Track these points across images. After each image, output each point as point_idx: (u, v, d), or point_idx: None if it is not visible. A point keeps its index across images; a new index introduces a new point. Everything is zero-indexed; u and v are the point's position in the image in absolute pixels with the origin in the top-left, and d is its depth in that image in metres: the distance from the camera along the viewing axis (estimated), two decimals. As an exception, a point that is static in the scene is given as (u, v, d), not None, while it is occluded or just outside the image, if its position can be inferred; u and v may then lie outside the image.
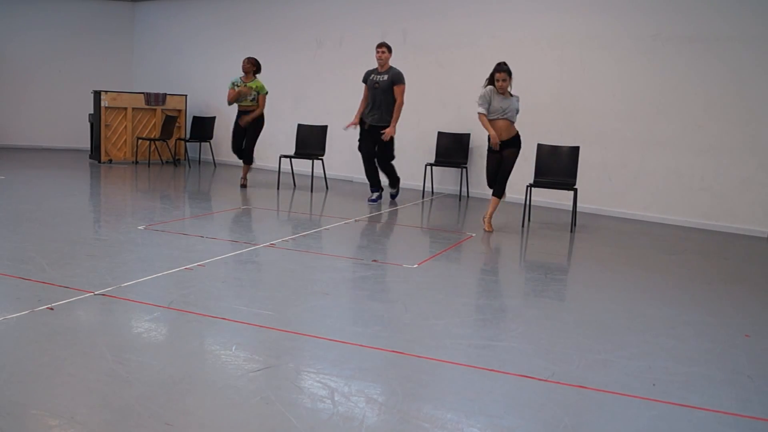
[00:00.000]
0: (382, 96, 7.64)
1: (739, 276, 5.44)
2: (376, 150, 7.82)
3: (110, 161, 10.92)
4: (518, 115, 6.57)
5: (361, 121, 7.81)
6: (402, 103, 7.67)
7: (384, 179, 8.23)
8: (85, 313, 3.56)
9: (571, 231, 6.82)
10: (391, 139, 7.71)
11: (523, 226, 6.90)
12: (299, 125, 9.27)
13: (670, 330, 3.80)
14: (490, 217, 6.61)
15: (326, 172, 9.14)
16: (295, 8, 10.68)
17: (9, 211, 6.22)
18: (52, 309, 3.53)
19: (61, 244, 5.02)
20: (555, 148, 7.28)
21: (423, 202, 8.37)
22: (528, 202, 6.99)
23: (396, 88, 7.64)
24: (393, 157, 7.94)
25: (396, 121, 7.66)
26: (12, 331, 3.22)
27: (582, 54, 8.12)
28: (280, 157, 8.82)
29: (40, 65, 12.41)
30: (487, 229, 6.48)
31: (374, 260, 5.03)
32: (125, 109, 10.99)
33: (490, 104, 6.34)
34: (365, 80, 7.86)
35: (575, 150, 7.12)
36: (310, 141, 9.10)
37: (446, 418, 2.60)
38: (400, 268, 4.86)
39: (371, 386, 2.83)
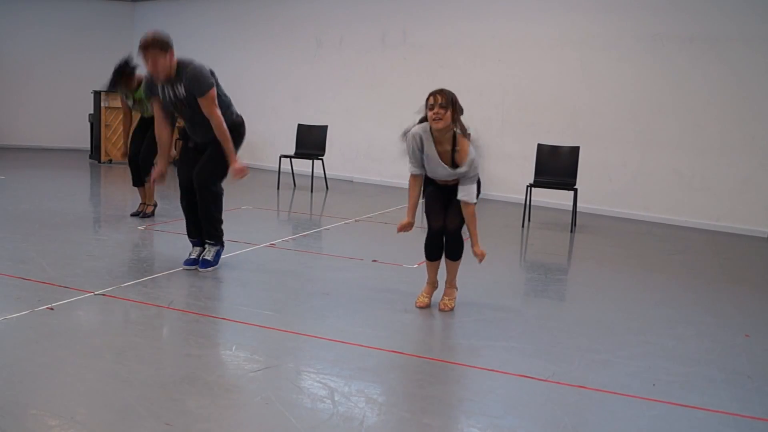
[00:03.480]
0: (194, 110, 4.33)
1: (739, 276, 5.44)
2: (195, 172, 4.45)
3: (110, 161, 10.91)
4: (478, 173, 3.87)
5: (184, 135, 4.69)
6: (220, 119, 4.26)
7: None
8: (85, 313, 3.56)
9: (571, 231, 6.82)
10: (219, 158, 4.37)
11: (523, 226, 6.90)
12: (299, 125, 9.28)
13: (670, 330, 3.80)
14: (453, 285, 4.04)
15: (326, 172, 9.15)
16: (295, 8, 10.68)
17: (9, 211, 6.22)
18: (52, 309, 3.53)
19: (61, 244, 5.01)
20: (555, 148, 7.28)
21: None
22: (528, 202, 6.99)
23: (203, 102, 4.23)
24: (218, 192, 4.51)
25: (232, 151, 4.33)
26: (12, 331, 3.22)
27: (582, 54, 8.12)
28: (280, 157, 8.82)
29: (40, 65, 12.40)
30: (444, 307, 3.94)
31: (374, 260, 5.02)
32: (125, 109, 10.99)
33: (420, 157, 3.85)
34: (153, 93, 4.47)
35: (575, 150, 7.12)
36: (310, 141, 9.10)
37: (446, 418, 2.60)
38: (400, 268, 4.86)
39: (371, 386, 2.83)
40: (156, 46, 4.11)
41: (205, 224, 4.52)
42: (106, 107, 10.74)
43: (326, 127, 9.11)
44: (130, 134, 6.42)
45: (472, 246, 3.85)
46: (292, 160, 9.01)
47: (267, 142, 10.74)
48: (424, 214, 4.10)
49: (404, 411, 2.63)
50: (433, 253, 4.03)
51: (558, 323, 3.83)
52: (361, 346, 3.27)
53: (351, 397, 2.70)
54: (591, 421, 2.63)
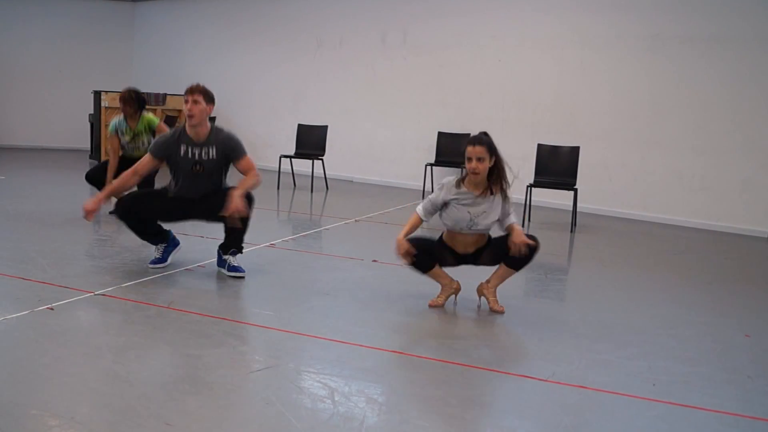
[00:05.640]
0: (208, 181, 4.39)
1: (739, 276, 5.44)
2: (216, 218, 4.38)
3: (110, 161, 10.90)
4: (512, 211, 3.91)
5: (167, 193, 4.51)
6: (258, 174, 4.37)
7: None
8: (85, 313, 3.56)
9: (571, 231, 6.82)
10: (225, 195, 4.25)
11: (523, 226, 6.89)
12: (299, 125, 9.28)
13: (670, 330, 3.80)
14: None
15: (326, 172, 9.15)
16: (295, 8, 10.68)
17: (9, 211, 6.22)
18: (52, 309, 3.53)
19: (61, 244, 5.01)
20: (555, 148, 7.28)
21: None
22: (528, 202, 6.99)
23: (242, 163, 4.37)
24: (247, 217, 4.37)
25: (246, 189, 4.24)
26: (12, 331, 3.22)
27: (582, 54, 8.12)
28: (280, 157, 8.82)
29: (40, 65, 12.41)
30: (500, 308, 3.95)
31: (374, 260, 5.02)
32: (125, 109, 10.98)
33: (442, 207, 3.84)
34: (163, 155, 4.36)
35: (575, 150, 7.12)
36: (310, 141, 9.10)
37: (446, 418, 2.59)
38: (400, 268, 4.85)
39: (371, 386, 2.83)
40: (202, 92, 4.29)
41: (235, 242, 4.48)
42: (106, 107, 10.73)
43: (326, 127, 9.12)
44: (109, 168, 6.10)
45: (515, 237, 3.76)
46: (292, 160, 9.01)
47: (267, 142, 10.74)
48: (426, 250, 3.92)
49: (404, 411, 2.63)
50: (425, 265, 3.93)
51: (558, 323, 3.82)
52: (361, 346, 3.27)
53: (351, 397, 2.70)
54: (591, 421, 2.63)
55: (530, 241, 3.73)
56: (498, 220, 3.86)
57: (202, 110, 4.26)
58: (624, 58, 7.84)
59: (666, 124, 7.65)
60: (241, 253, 4.54)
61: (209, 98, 4.32)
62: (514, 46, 8.62)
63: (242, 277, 4.38)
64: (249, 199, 4.33)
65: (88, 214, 4.26)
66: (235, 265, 4.45)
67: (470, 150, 3.71)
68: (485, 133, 3.81)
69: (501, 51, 8.72)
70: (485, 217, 3.79)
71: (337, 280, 4.46)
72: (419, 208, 3.92)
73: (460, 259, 3.98)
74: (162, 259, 4.54)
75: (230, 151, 4.35)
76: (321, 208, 7.78)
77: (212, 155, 4.32)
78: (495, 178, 3.78)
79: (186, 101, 4.27)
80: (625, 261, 5.66)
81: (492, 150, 3.73)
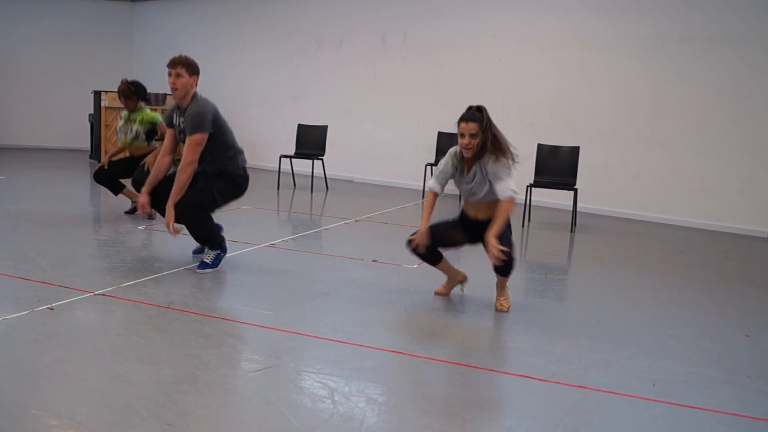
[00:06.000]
0: None
1: (739, 276, 5.43)
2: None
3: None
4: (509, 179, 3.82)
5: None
6: (188, 165, 4.23)
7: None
8: (85, 313, 3.56)
9: (571, 231, 6.82)
10: (207, 183, 4.36)
11: (523, 226, 6.90)
12: (299, 125, 9.28)
13: (670, 330, 3.80)
14: (505, 286, 4.04)
15: (326, 172, 9.15)
16: (295, 9, 10.68)
17: (9, 211, 6.22)
18: (52, 309, 3.53)
19: (61, 244, 5.01)
20: (555, 148, 7.28)
21: (423, 202, 8.37)
22: (528, 202, 6.99)
23: (187, 139, 4.26)
24: (204, 218, 4.40)
25: (176, 196, 4.25)
26: (12, 331, 3.22)
27: (581, 54, 8.13)
28: (280, 157, 8.82)
29: (40, 65, 12.41)
30: (501, 307, 3.97)
31: (374, 260, 5.02)
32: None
33: (452, 175, 3.94)
34: (170, 123, 4.52)
35: (575, 150, 7.12)
36: (310, 141, 9.10)
37: (446, 418, 2.59)
38: (400, 268, 4.86)
39: (371, 386, 2.83)
40: (185, 64, 4.29)
41: (200, 242, 4.54)
42: (106, 107, 10.73)
43: (326, 127, 9.12)
44: (113, 156, 6.40)
45: (488, 232, 3.71)
46: (292, 160, 9.01)
47: (267, 142, 10.75)
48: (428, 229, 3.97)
49: (404, 411, 2.63)
50: (431, 259, 4.05)
51: (558, 323, 3.83)
52: (361, 346, 3.27)
53: (351, 397, 2.70)
54: (591, 421, 2.63)
55: (501, 256, 3.65)
56: (491, 185, 3.78)
57: (185, 83, 4.28)
58: (624, 58, 7.85)
59: (666, 124, 7.65)
60: (216, 248, 4.47)
61: (193, 70, 4.31)
62: (514, 46, 8.62)
63: (204, 273, 4.40)
64: (208, 186, 4.33)
65: (143, 207, 4.45)
66: (206, 260, 4.46)
67: (463, 126, 3.73)
68: (479, 109, 3.77)
69: (501, 51, 8.72)
70: (478, 186, 3.81)
71: (337, 280, 4.46)
72: (432, 183, 3.99)
73: (472, 235, 3.97)
74: (212, 265, 4.47)
75: (186, 126, 4.28)
76: (321, 208, 7.78)
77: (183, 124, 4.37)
78: (489, 148, 3.75)
79: (169, 74, 4.25)
80: (625, 261, 5.66)
81: (485, 127, 3.72)
